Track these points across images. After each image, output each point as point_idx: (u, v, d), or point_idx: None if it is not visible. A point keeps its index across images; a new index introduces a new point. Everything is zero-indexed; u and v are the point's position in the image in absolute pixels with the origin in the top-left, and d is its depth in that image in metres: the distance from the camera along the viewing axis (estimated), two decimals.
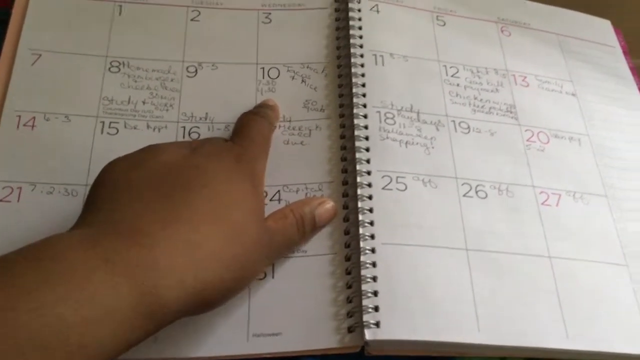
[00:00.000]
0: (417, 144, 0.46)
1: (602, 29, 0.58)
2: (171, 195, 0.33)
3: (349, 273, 0.41)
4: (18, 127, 0.44)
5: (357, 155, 0.44)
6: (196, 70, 0.48)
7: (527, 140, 0.48)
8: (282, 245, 0.40)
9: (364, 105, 0.46)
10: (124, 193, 0.33)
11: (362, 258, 0.40)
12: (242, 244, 0.34)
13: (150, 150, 0.37)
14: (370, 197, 0.42)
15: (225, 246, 0.33)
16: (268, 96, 0.47)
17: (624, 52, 0.57)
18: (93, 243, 0.29)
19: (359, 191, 0.43)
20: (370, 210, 0.42)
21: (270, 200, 0.43)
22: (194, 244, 0.31)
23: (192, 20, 0.50)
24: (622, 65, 0.56)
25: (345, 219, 0.43)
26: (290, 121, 0.47)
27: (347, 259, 0.41)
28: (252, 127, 0.42)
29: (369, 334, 0.38)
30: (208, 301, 0.33)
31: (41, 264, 0.27)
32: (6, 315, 0.25)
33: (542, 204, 0.45)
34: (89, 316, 0.27)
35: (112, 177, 0.35)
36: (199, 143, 0.38)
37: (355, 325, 0.39)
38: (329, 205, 0.42)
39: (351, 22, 0.50)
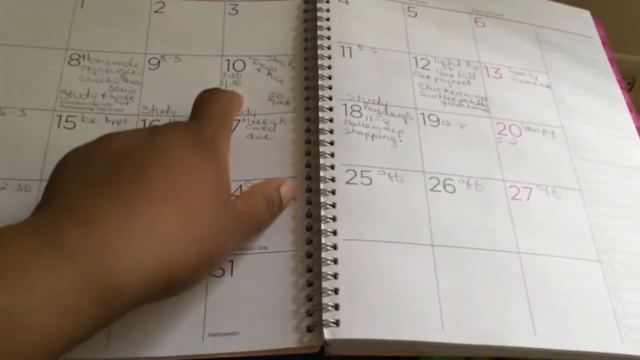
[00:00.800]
0: (384, 137, 0.44)
1: (580, 20, 0.57)
2: (124, 177, 0.31)
3: (310, 270, 0.39)
4: None
5: (321, 148, 0.43)
6: (159, 63, 0.47)
7: (499, 133, 0.47)
8: (251, 226, 0.39)
9: (330, 98, 0.45)
10: (76, 182, 0.32)
11: (323, 255, 0.39)
12: (203, 223, 0.32)
13: (105, 137, 0.35)
14: (333, 192, 0.41)
15: (184, 226, 0.31)
16: (233, 89, 0.46)
17: (604, 43, 0.55)
18: (38, 229, 0.28)
19: (321, 186, 0.41)
20: (333, 206, 0.41)
21: (232, 195, 0.42)
22: (149, 225, 0.30)
23: (155, 12, 0.49)
24: (601, 56, 0.54)
25: (308, 215, 0.41)
26: (254, 115, 0.46)
27: (309, 255, 0.40)
28: (210, 102, 0.40)
29: (327, 333, 0.36)
30: (171, 285, 0.31)
31: None
32: None
33: (512, 198, 0.44)
34: (29, 303, 0.25)
35: (65, 168, 0.33)
36: (156, 127, 0.37)
37: (315, 324, 0.37)
38: (289, 185, 0.41)
39: (319, 14, 0.49)
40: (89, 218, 0.29)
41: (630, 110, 0.51)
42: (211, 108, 0.40)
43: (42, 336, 0.26)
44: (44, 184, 0.40)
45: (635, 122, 0.51)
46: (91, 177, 0.32)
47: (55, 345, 0.26)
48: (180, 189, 0.32)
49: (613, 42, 0.57)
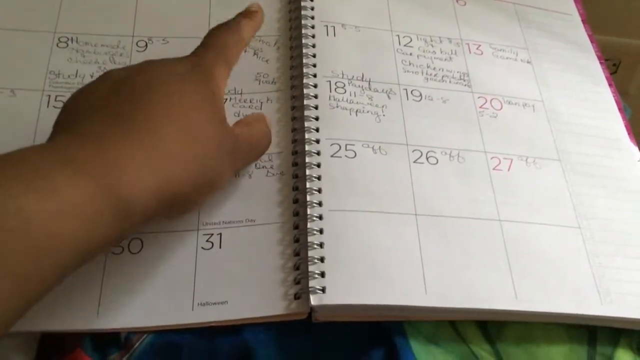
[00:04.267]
0: (367, 112, 0.45)
1: None
2: (127, 102, 0.33)
3: (297, 241, 0.40)
4: None
5: (306, 124, 0.44)
6: (146, 45, 0.48)
7: (480, 107, 0.48)
8: (250, 150, 0.40)
9: (314, 75, 0.46)
10: (83, 111, 0.33)
11: (309, 225, 0.40)
12: (201, 142, 0.34)
13: (106, 73, 0.37)
14: (318, 165, 0.42)
15: (183, 145, 0.33)
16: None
17: (583, 21, 0.56)
18: (54, 150, 0.30)
19: (307, 159, 0.42)
20: (319, 178, 0.42)
21: None
22: (152, 145, 0.32)
23: None
24: (580, 32, 0.55)
25: (295, 188, 0.42)
26: (241, 94, 0.47)
27: (296, 227, 0.41)
28: (213, 34, 0.41)
29: (314, 300, 0.37)
30: (176, 199, 0.33)
31: (6, 165, 0.28)
32: None
33: (494, 169, 0.45)
34: (52, 208, 0.27)
35: (71, 103, 0.35)
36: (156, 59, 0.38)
37: (302, 292, 0.38)
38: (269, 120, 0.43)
39: None
40: (98, 139, 0.31)
41: (610, 85, 0.52)
42: (211, 40, 0.40)
43: (67, 239, 0.27)
44: None
45: (614, 96, 0.52)
46: (96, 104, 0.33)
47: (75, 252, 0.28)
48: (179, 111, 0.34)
49: (599, 25, 0.58)
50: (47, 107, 0.44)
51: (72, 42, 0.47)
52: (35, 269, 0.27)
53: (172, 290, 0.39)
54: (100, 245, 0.29)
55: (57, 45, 0.47)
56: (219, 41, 0.40)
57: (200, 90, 0.36)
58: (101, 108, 0.33)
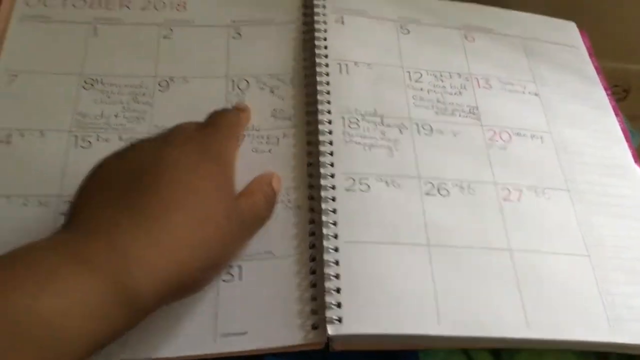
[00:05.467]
0: (380, 146, 0.47)
1: (566, 31, 0.60)
2: (139, 190, 0.34)
3: (313, 272, 0.42)
4: None
5: (322, 159, 0.45)
6: (168, 85, 0.50)
7: (489, 139, 0.49)
8: (254, 224, 0.41)
9: (329, 112, 0.48)
10: (96, 196, 0.35)
11: (325, 256, 0.41)
12: (210, 227, 0.35)
13: (120, 151, 0.38)
14: (333, 199, 0.44)
15: (194, 231, 0.34)
16: (239, 100, 0.49)
17: (589, 53, 0.58)
18: (63, 244, 0.31)
19: (322, 193, 0.44)
20: (334, 211, 0.43)
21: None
22: (163, 234, 0.33)
23: (164, 37, 0.53)
24: (587, 65, 0.57)
25: (311, 221, 0.44)
26: (258, 130, 0.48)
27: (312, 259, 0.42)
28: (218, 115, 0.43)
29: (331, 330, 0.39)
30: (186, 286, 0.34)
31: (19, 264, 0.29)
32: None
33: (504, 199, 0.46)
34: (66, 307, 0.28)
35: (85, 186, 0.37)
36: (167, 134, 0.40)
37: (319, 322, 0.40)
38: (277, 176, 0.44)
39: (317, 34, 0.52)
40: (109, 232, 0.32)
41: (616, 115, 0.54)
42: (216, 120, 0.42)
43: (72, 337, 0.28)
44: (62, 199, 0.44)
45: (620, 125, 0.53)
46: (108, 194, 0.35)
47: (84, 346, 0.29)
48: (189, 198, 0.35)
49: (609, 51, 0.60)
50: (75, 147, 0.46)
51: (97, 83, 0.49)
52: None
53: (194, 321, 0.40)
54: (112, 336, 0.31)
55: (83, 87, 0.49)
56: (226, 120, 0.43)
57: (209, 170, 0.37)
58: (113, 197, 0.34)
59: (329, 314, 0.39)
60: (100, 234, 0.32)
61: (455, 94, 0.52)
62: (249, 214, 0.40)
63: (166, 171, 0.35)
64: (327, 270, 0.41)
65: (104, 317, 0.30)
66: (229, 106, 0.49)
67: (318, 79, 0.49)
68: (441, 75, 0.53)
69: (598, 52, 0.59)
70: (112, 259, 0.31)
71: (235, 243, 0.38)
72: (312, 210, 0.44)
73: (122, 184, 0.35)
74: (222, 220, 0.36)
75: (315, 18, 0.53)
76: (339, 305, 0.40)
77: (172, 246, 0.33)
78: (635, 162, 0.51)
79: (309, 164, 0.46)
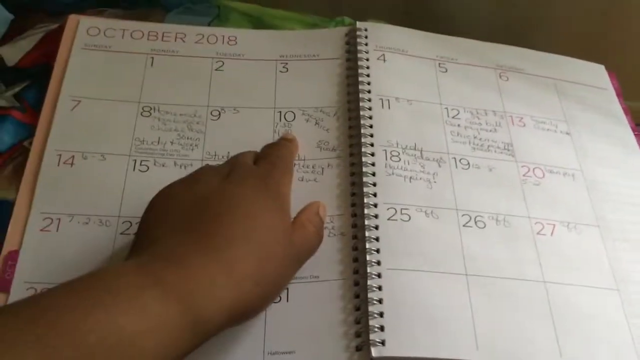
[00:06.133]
0: (420, 179, 0.50)
1: (596, 73, 0.62)
2: (206, 222, 0.37)
3: (357, 296, 0.44)
4: (59, 164, 0.49)
5: (365, 189, 0.48)
6: (219, 114, 0.53)
7: (524, 175, 0.52)
8: (307, 254, 0.43)
9: (372, 145, 0.51)
10: (165, 225, 0.38)
11: (369, 282, 0.44)
12: (272, 261, 0.38)
13: (185, 182, 0.41)
14: (376, 227, 0.46)
15: (258, 265, 0.37)
16: (288, 132, 0.53)
17: (618, 94, 0.60)
18: (142, 269, 0.34)
19: (366, 222, 0.46)
20: (377, 239, 0.46)
21: None
22: (230, 266, 0.35)
23: (216, 69, 0.56)
24: (616, 106, 0.60)
25: (354, 248, 0.47)
26: (304, 160, 0.51)
27: (356, 283, 0.45)
28: (273, 152, 0.46)
29: (375, 352, 0.41)
30: (245, 314, 0.37)
31: (102, 285, 0.32)
32: (73, 335, 0.29)
33: (538, 233, 0.48)
34: (144, 327, 0.31)
35: (154, 212, 0.40)
36: (229, 168, 0.42)
37: (363, 344, 0.42)
38: (323, 205, 0.46)
39: (360, 70, 0.55)
40: (181, 260, 0.35)
41: None
42: (272, 158, 0.46)
43: (148, 356, 0.31)
44: (122, 219, 0.47)
45: None
46: (177, 223, 0.38)
47: None
48: (253, 233, 0.38)
49: (630, 91, 0.62)
50: (134, 170, 0.49)
51: (154, 111, 0.53)
52: None
53: (244, 340, 0.43)
54: (178, 357, 0.33)
55: (141, 114, 0.52)
56: (280, 154, 0.46)
57: (271, 209, 0.40)
58: (182, 228, 0.37)
59: (373, 336, 0.42)
60: (174, 262, 0.34)
61: (490, 130, 0.54)
62: (303, 248, 0.42)
63: (230, 207, 0.38)
64: (370, 295, 0.43)
65: (175, 339, 0.32)
66: (277, 136, 0.52)
67: (361, 112, 0.52)
68: (477, 113, 0.55)
69: (625, 92, 0.62)
70: (186, 286, 0.33)
71: (290, 275, 0.41)
72: (355, 237, 0.47)
73: (187, 217, 0.38)
74: (281, 258, 0.39)
75: (359, 55, 0.56)
76: (381, 328, 0.42)
77: (237, 278, 0.35)
78: None
79: (353, 194, 0.49)
